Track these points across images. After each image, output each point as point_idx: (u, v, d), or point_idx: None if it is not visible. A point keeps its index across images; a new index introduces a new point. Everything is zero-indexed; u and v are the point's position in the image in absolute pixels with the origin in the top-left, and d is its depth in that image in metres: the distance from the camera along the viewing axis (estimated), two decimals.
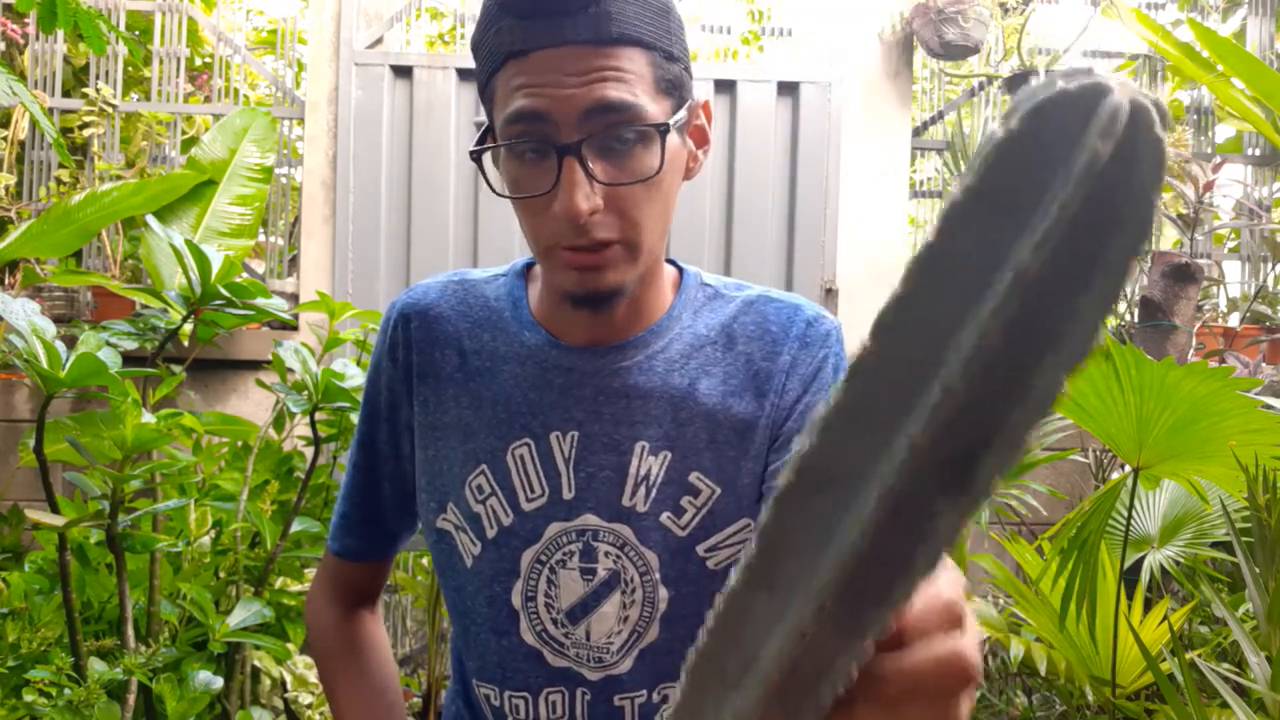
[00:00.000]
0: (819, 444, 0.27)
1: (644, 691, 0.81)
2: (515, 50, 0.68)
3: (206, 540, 1.74)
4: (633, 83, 0.68)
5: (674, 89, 0.72)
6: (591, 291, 0.72)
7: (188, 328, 1.71)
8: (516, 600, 0.80)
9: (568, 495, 0.79)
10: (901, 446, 0.25)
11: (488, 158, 0.75)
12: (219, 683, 1.50)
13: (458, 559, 0.82)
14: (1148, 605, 1.82)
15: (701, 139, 0.79)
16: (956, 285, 0.25)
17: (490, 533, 0.80)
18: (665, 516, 0.79)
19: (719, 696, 0.30)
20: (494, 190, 0.76)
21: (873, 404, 0.26)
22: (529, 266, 0.87)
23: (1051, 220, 0.23)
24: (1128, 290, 2.84)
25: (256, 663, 1.90)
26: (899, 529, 0.26)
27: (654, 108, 0.70)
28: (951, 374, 0.24)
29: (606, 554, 0.79)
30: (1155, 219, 0.24)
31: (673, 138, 0.72)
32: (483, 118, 0.77)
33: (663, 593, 0.79)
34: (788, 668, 0.28)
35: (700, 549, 0.79)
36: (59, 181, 2.87)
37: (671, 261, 0.87)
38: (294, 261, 3.15)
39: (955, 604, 0.36)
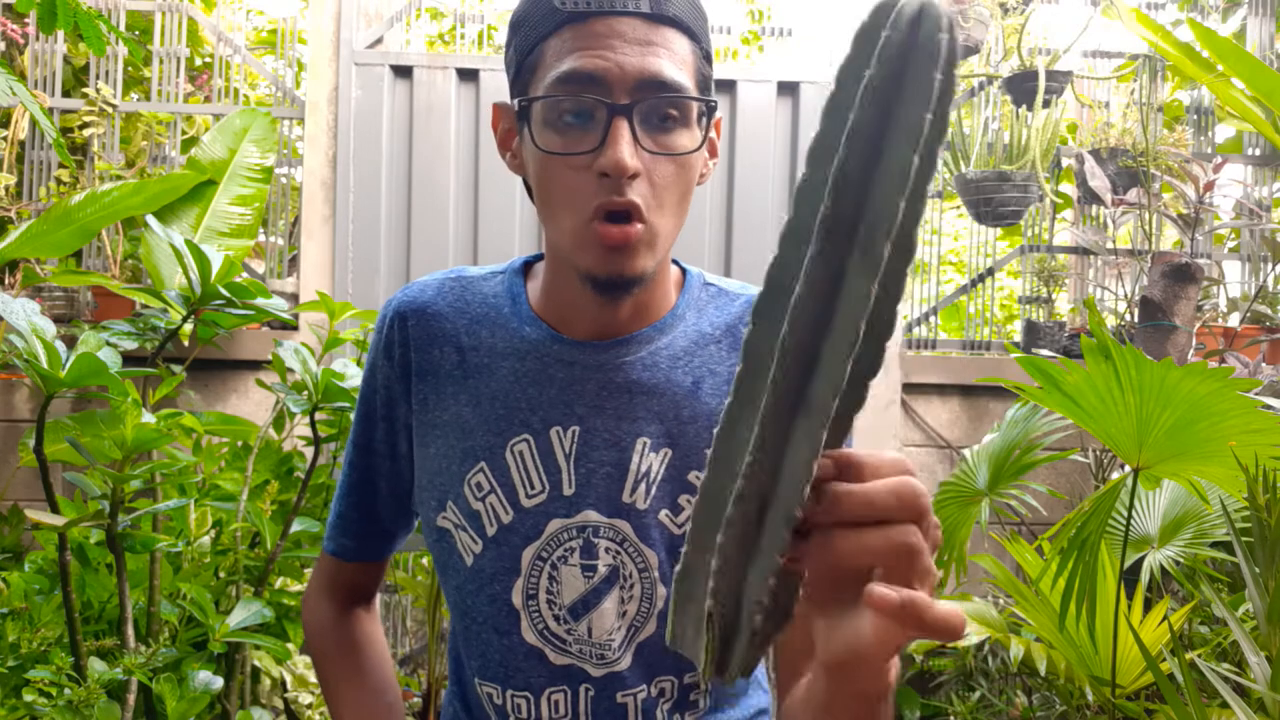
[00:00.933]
0: (761, 304, 0.42)
1: (644, 687, 0.81)
2: (576, 14, 0.70)
3: (206, 540, 1.73)
4: (681, 66, 0.72)
5: (705, 90, 0.75)
6: (616, 274, 0.73)
7: (188, 328, 1.71)
8: (517, 599, 0.80)
9: (568, 491, 0.79)
10: (807, 252, 0.40)
11: (514, 141, 0.79)
12: (219, 683, 1.50)
13: (458, 558, 0.82)
14: (1148, 605, 1.82)
15: (713, 150, 0.81)
16: (835, 130, 0.40)
17: (490, 530, 0.80)
18: (664, 514, 0.79)
19: (719, 509, 0.41)
20: (509, 165, 0.80)
21: (799, 222, 0.41)
22: (528, 264, 0.87)
23: (862, 90, 0.39)
24: (1128, 290, 2.84)
25: (256, 663, 1.90)
26: (818, 318, 0.40)
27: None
28: (828, 191, 0.39)
29: (606, 549, 0.79)
30: (944, 92, 0.38)
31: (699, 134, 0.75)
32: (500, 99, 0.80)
33: (661, 590, 0.79)
34: (753, 487, 0.40)
35: None
36: (59, 181, 2.87)
37: (675, 262, 0.87)
38: (294, 261, 3.15)
39: (911, 484, 0.42)
